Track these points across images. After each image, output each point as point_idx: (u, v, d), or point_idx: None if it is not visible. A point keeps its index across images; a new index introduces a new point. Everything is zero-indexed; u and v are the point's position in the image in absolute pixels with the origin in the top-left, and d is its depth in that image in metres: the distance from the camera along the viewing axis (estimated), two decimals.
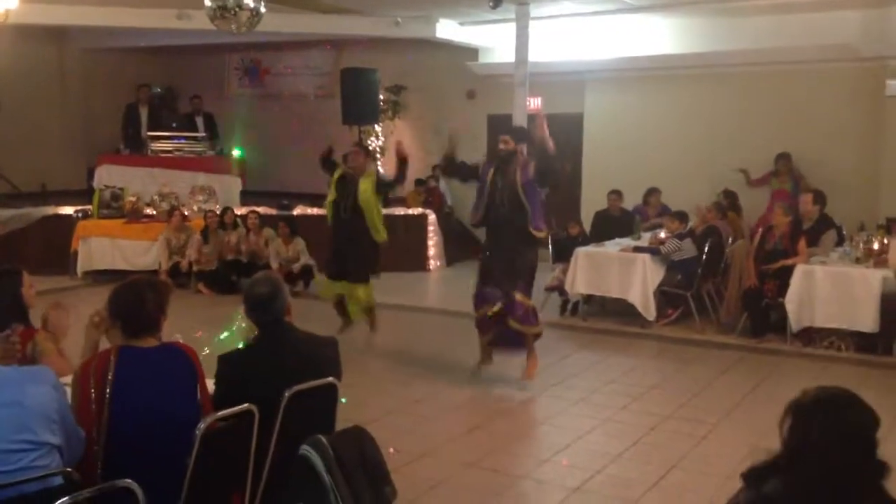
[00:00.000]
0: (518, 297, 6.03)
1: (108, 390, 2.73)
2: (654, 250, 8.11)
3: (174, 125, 12.44)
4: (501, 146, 6.21)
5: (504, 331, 6.13)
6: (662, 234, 8.38)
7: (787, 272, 7.30)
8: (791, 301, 7.21)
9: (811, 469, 1.95)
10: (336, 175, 7.24)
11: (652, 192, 9.85)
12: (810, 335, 7.32)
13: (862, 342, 7.11)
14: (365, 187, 7.06)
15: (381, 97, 13.07)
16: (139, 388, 2.79)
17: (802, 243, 7.47)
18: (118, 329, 2.87)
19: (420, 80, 13.52)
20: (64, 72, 14.11)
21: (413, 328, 8.54)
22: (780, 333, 7.45)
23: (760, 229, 7.89)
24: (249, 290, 3.35)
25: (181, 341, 3.34)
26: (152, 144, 11.78)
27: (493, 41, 11.95)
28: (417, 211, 11.79)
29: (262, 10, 6.44)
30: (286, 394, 3.15)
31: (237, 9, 6.19)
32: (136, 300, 2.86)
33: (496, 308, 6.03)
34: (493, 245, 6.23)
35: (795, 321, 7.25)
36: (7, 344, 3.05)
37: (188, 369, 2.92)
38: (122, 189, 10.96)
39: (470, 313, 6.44)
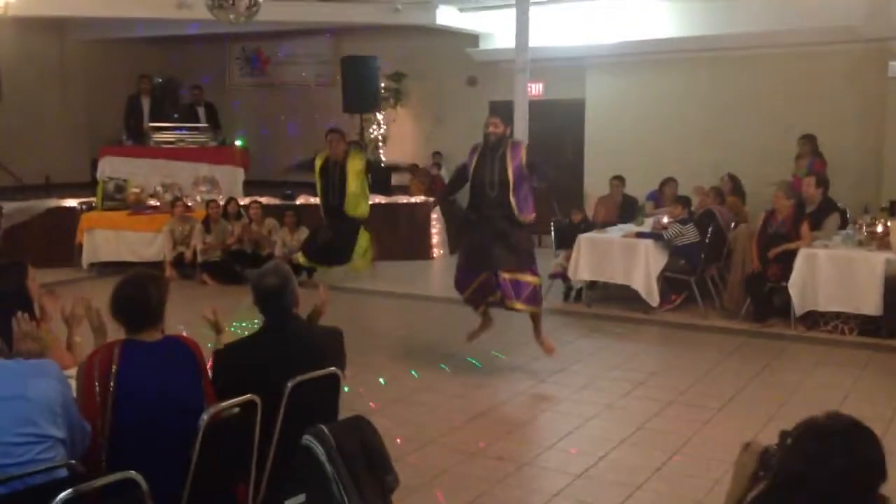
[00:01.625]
0: (528, 277, 6.01)
1: (111, 383, 2.75)
2: (656, 236, 8.11)
3: (176, 116, 12.45)
4: (490, 129, 6.03)
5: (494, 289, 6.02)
6: (665, 220, 8.37)
7: (791, 256, 7.29)
8: (794, 285, 7.21)
9: (804, 499, 1.85)
10: (318, 164, 7.22)
11: (668, 182, 9.74)
12: (814, 319, 7.32)
13: (866, 325, 7.11)
14: (355, 165, 7.04)
15: (382, 85, 13.07)
16: (143, 381, 2.81)
17: (805, 227, 7.46)
18: (120, 322, 2.89)
19: (421, 68, 13.50)
20: (65, 64, 14.11)
21: (417, 317, 8.55)
22: (784, 317, 7.44)
23: (763, 213, 7.86)
24: (258, 282, 3.35)
25: (184, 334, 3.37)
26: (154, 135, 11.79)
27: (493, 27, 11.91)
28: (420, 199, 11.78)
29: None
30: (289, 384, 3.17)
31: None
32: (138, 295, 2.87)
33: (495, 296, 6.01)
34: (479, 229, 6.07)
35: (799, 305, 7.24)
36: (29, 326, 3.07)
37: (191, 361, 2.94)
38: (125, 180, 10.97)
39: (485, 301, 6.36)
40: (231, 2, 6.09)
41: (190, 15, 10.35)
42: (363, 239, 7.21)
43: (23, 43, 12.36)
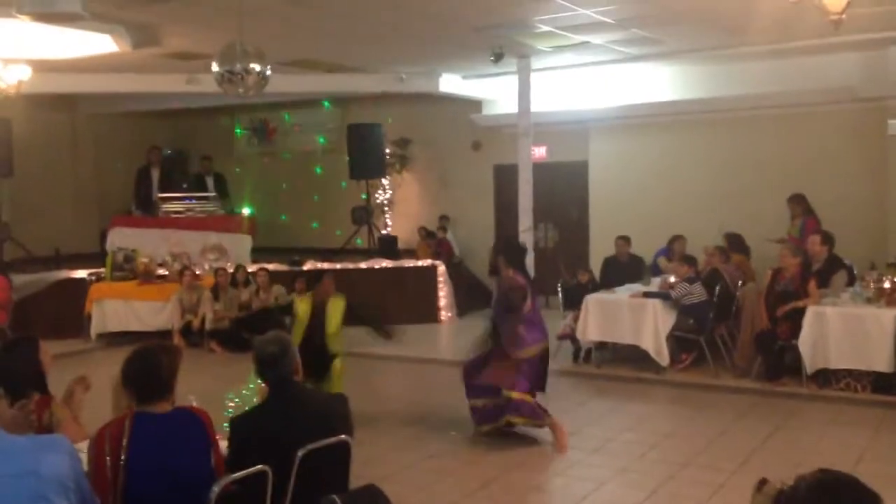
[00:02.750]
0: (515, 395, 5.90)
1: (122, 456, 2.75)
2: (664, 295, 8.11)
3: (185, 186, 12.63)
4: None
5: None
6: (672, 279, 8.39)
7: (800, 314, 7.27)
8: (804, 343, 7.17)
9: None
10: (305, 307, 6.70)
11: (677, 239, 9.77)
12: (826, 377, 7.26)
13: (878, 382, 7.04)
14: (336, 309, 6.84)
15: (388, 151, 13.27)
16: (153, 454, 2.81)
17: (813, 285, 7.45)
18: (130, 394, 2.90)
19: (425, 133, 13.72)
20: (76, 137, 14.38)
21: (426, 381, 8.51)
22: (796, 376, 7.38)
23: (770, 271, 7.86)
24: (259, 350, 3.39)
25: (195, 404, 3.37)
26: (164, 205, 11.95)
27: (495, 93, 12.14)
28: (427, 262, 11.84)
29: (269, 72, 6.58)
30: (299, 453, 3.15)
31: (244, 73, 6.32)
32: (149, 366, 2.89)
33: (499, 423, 6.02)
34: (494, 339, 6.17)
35: (810, 363, 7.19)
36: (23, 413, 3.08)
37: (201, 433, 2.95)
38: (134, 251, 11.06)
39: None
40: (240, 76, 6.24)
41: (199, 89, 10.59)
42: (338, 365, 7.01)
43: (35, 118, 12.61)
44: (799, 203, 9.46)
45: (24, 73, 8.37)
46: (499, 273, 6.18)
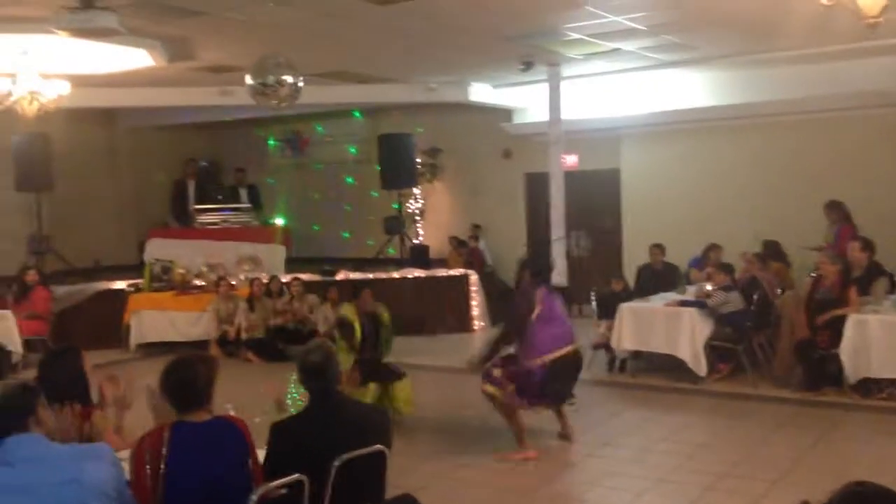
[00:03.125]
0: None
1: (162, 465, 2.78)
2: (700, 303, 8.01)
3: (220, 197, 12.78)
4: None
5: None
6: (708, 287, 8.28)
7: (840, 322, 7.13)
8: (845, 352, 7.03)
9: None
10: (350, 320, 6.78)
11: (713, 248, 9.62)
12: (868, 386, 7.10)
13: None
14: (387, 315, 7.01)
15: (418, 160, 13.31)
16: (193, 463, 2.84)
17: (853, 292, 7.31)
18: (169, 404, 2.93)
19: (456, 142, 13.74)
20: (114, 150, 14.62)
21: (458, 390, 8.48)
22: (837, 385, 7.24)
23: (810, 279, 7.73)
24: (303, 359, 3.41)
25: (232, 413, 3.40)
26: (199, 217, 12.10)
27: (526, 101, 12.13)
28: (459, 272, 11.83)
29: (301, 84, 6.64)
30: (336, 462, 3.16)
31: (277, 85, 6.39)
32: (186, 376, 2.93)
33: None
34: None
35: (851, 372, 7.05)
36: (63, 422, 3.12)
37: (239, 442, 2.97)
38: (171, 262, 11.21)
39: None
40: (273, 88, 6.31)
41: (233, 101, 10.72)
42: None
43: (74, 132, 12.86)
44: (835, 210, 9.26)
45: (64, 88, 8.53)
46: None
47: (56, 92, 8.47)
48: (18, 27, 7.32)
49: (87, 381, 3.74)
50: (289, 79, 6.40)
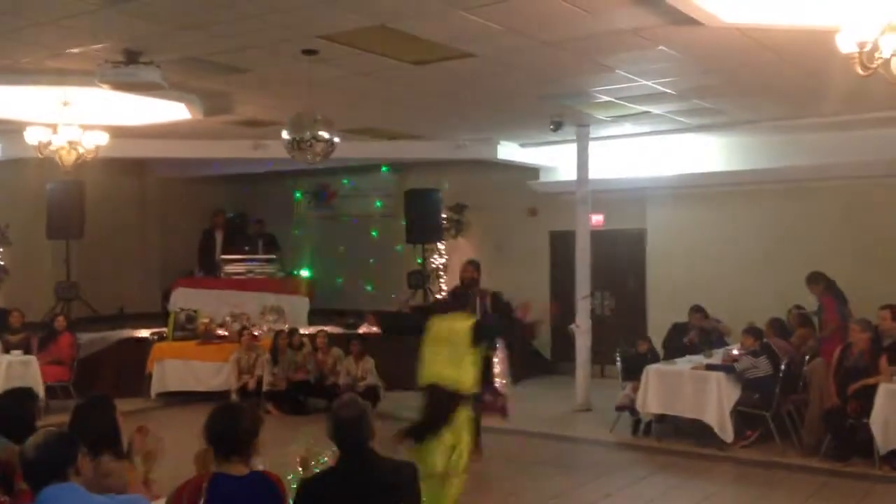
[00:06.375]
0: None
1: None
2: (727, 368, 7.92)
3: (247, 248, 12.90)
4: (465, 274, 7.34)
5: None
6: (735, 351, 8.20)
7: (871, 391, 7.02)
8: (876, 422, 6.91)
9: None
10: None
11: (695, 311, 9.66)
12: None
13: None
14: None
15: (444, 216, 13.40)
16: None
17: (884, 361, 7.21)
18: (211, 451, 2.94)
19: (482, 199, 13.81)
20: (143, 200, 14.83)
21: (487, 450, 8.38)
22: (867, 456, 7.09)
23: (839, 347, 7.64)
24: (336, 413, 3.38)
25: (261, 468, 3.38)
26: (226, 267, 12.20)
27: (553, 160, 12.22)
28: None
29: (337, 140, 6.76)
30: None
31: (313, 140, 6.51)
32: (231, 423, 2.93)
33: None
34: None
35: (882, 443, 6.92)
36: (97, 473, 3.13)
37: (276, 498, 2.95)
38: (195, 311, 11.28)
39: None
40: (309, 143, 6.43)
41: (265, 154, 10.90)
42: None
43: (106, 181, 13.06)
44: (815, 282, 8.95)
45: (102, 139, 8.72)
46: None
47: (94, 142, 8.66)
48: (61, 79, 7.52)
49: (120, 431, 3.75)
50: (325, 135, 6.52)
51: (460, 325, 5.67)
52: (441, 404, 5.45)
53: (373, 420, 3.48)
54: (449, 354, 5.53)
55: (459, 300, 6.83)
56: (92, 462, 3.12)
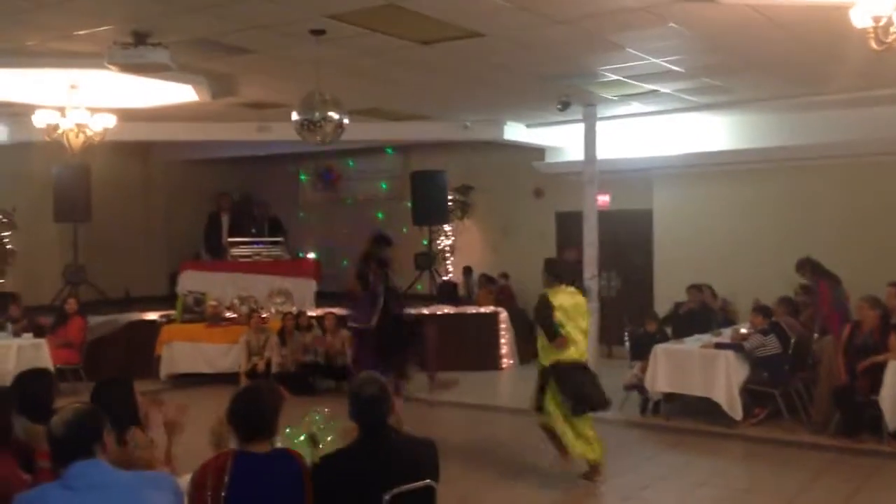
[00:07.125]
0: None
1: (223, 494, 2.80)
2: (736, 346, 7.94)
3: (254, 231, 12.91)
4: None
5: None
6: (744, 330, 8.21)
7: (880, 368, 7.04)
8: (885, 399, 6.93)
9: None
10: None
11: (692, 289, 9.75)
12: None
13: None
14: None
15: (450, 198, 13.39)
16: (252, 493, 2.86)
17: (893, 338, 7.21)
18: (234, 431, 2.96)
19: (487, 180, 13.81)
20: (149, 183, 14.84)
21: (487, 428, 8.43)
22: (876, 433, 7.12)
23: (848, 324, 7.65)
24: (357, 391, 3.38)
25: (279, 445, 3.41)
26: (232, 250, 12.21)
27: (559, 141, 12.18)
28: (489, 309, 11.82)
29: (346, 121, 6.74)
30: (386, 497, 3.16)
31: (323, 121, 6.50)
32: (255, 405, 2.96)
33: None
34: None
35: (891, 420, 6.95)
36: (124, 449, 3.16)
37: (297, 476, 2.99)
38: (203, 294, 11.31)
39: None
40: (319, 124, 6.42)
41: (269, 136, 10.89)
42: None
43: (111, 165, 13.08)
44: (804, 267, 8.90)
45: (110, 122, 8.71)
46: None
47: (102, 125, 8.65)
48: (69, 62, 7.50)
49: (139, 408, 3.78)
50: (335, 115, 6.51)
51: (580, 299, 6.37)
52: None
53: (391, 397, 3.50)
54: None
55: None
56: (116, 438, 3.15)
